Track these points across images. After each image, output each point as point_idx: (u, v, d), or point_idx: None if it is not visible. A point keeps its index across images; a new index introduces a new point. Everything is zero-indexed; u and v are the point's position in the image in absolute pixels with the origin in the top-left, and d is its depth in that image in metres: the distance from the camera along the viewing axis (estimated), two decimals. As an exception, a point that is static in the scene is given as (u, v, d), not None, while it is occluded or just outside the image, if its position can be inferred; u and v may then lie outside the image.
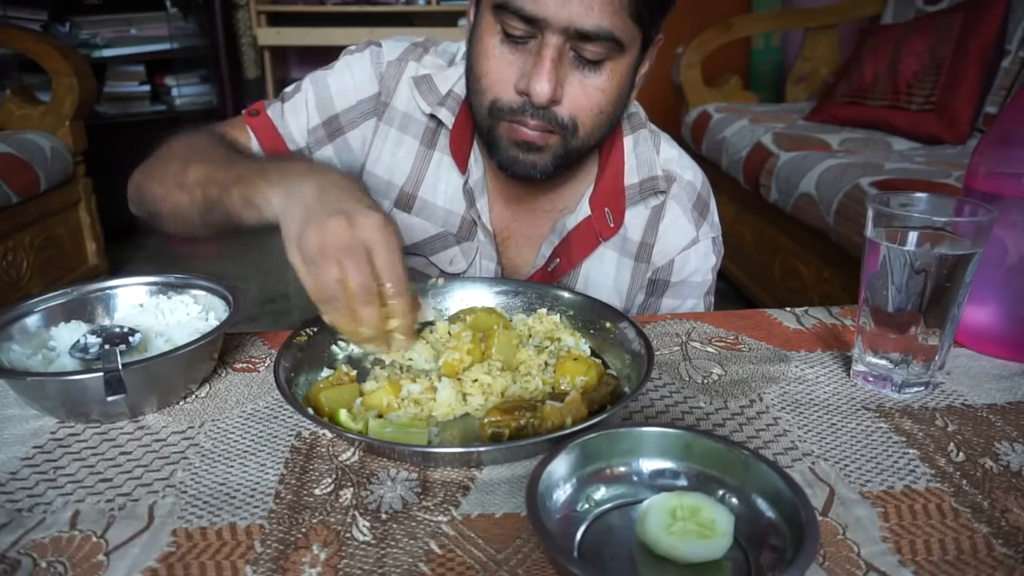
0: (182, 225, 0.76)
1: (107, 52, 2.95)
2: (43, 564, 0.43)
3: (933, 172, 1.77)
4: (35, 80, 2.60)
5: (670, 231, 0.89)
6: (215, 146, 0.77)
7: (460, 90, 0.85)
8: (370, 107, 0.87)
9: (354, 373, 0.63)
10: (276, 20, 3.44)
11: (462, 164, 0.86)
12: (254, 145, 0.86)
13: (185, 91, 3.22)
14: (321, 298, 0.59)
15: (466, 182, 0.86)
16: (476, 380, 0.61)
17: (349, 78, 0.87)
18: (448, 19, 3.50)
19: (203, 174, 0.71)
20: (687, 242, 0.90)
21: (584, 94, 0.72)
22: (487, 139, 0.77)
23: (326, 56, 0.96)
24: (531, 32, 0.69)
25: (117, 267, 2.65)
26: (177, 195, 0.73)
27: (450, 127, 0.86)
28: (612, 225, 0.87)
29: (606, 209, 0.87)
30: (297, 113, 0.86)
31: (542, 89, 0.69)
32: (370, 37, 0.90)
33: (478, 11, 0.75)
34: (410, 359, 0.66)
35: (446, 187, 0.88)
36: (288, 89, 0.89)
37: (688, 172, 0.90)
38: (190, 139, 0.80)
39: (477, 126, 0.79)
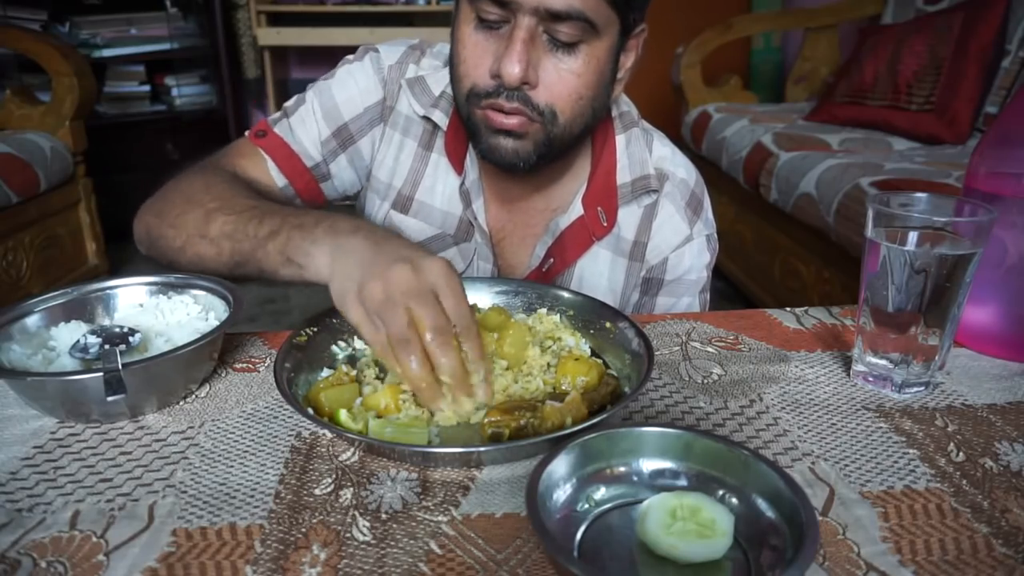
0: (204, 271, 0.73)
1: (107, 52, 2.95)
2: (43, 564, 0.43)
3: (933, 172, 1.77)
4: (35, 80, 2.60)
5: (663, 229, 0.89)
6: (235, 190, 0.75)
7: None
8: (377, 113, 0.87)
9: (354, 373, 0.63)
10: (276, 20, 3.44)
11: (458, 166, 0.86)
12: (271, 167, 0.85)
13: (185, 91, 3.22)
14: (395, 343, 0.55)
15: (462, 183, 0.86)
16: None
17: (353, 86, 0.86)
18: (448, 19, 3.49)
19: (230, 226, 0.69)
20: (681, 240, 0.90)
21: (559, 79, 0.72)
22: (468, 127, 0.77)
23: (326, 56, 0.96)
24: (504, 16, 0.69)
25: (117, 267, 2.65)
26: (199, 245, 0.71)
27: (444, 129, 0.86)
28: (605, 224, 0.87)
29: (599, 208, 0.87)
30: (306, 126, 0.86)
31: (512, 69, 0.69)
32: (370, 41, 0.90)
33: (459, 2, 0.75)
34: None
35: (443, 188, 0.88)
36: (290, 103, 0.88)
37: (681, 170, 0.90)
38: (205, 181, 0.77)
39: (459, 115, 0.79)
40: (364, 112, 0.87)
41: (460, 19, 0.74)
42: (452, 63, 0.76)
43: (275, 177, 0.85)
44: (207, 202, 0.73)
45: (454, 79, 0.76)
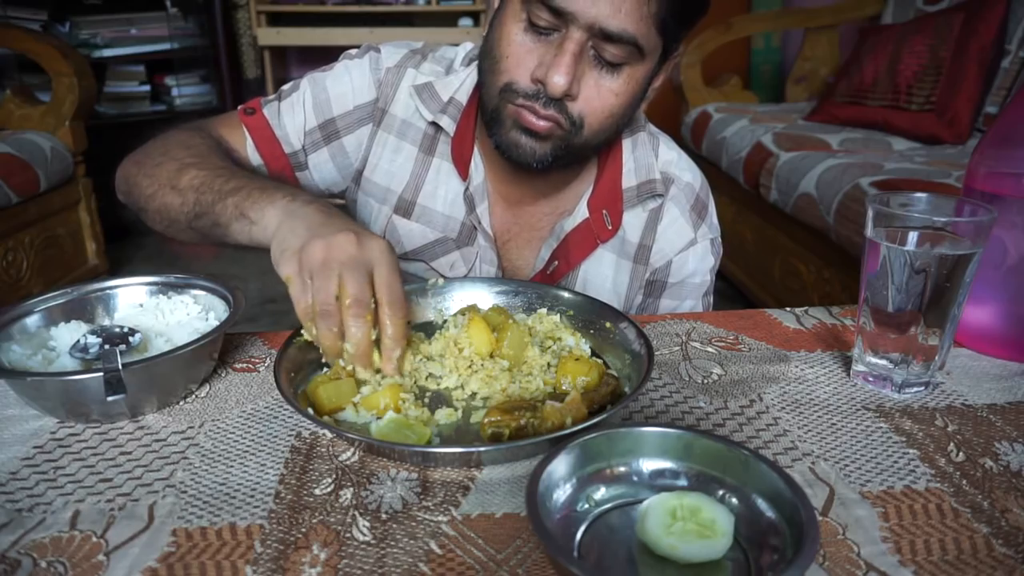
0: (167, 225, 0.77)
1: (107, 52, 2.95)
2: (43, 564, 0.43)
3: (933, 172, 1.77)
4: (35, 80, 2.60)
5: (668, 232, 0.89)
6: (213, 151, 0.77)
7: (461, 97, 0.85)
8: (367, 113, 0.87)
9: (351, 367, 0.63)
10: (276, 20, 3.44)
11: (463, 171, 0.86)
12: (248, 145, 0.85)
13: (185, 91, 3.22)
14: (317, 311, 0.58)
15: (467, 188, 0.86)
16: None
17: (348, 83, 0.86)
18: (448, 19, 3.50)
19: (199, 180, 0.71)
20: (685, 243, 0.90)
21: (598, 95, 0.73)
22: (490, 118, 0.77)
23: (326, 56, 0.96)
24: (556, 25, 0.70)
25: (117, 267, 2.65)
26: (168, 195, 0.74)
27: (452, 134, 0.86)
28: (610, 227, 0.87)
29: (604, 211, 0.87)
30: (294, 114, 0.86)
31: (558, 81, 0.69)
32: (370, 41, 0.90)
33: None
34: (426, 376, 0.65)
35: (445, 193, 0.88)
36: (286, 87, 0.89)
37: (687, 174, 0.90)
38: (187, 138, 0.79)
39: (483, 106, 0.79)
40: (354, 110, 0.87)
41: (507, 15, 0.73)
42: (491, 56, 0.75)
43: (251, 156, 0.86)
44: (184, 157, 0.75)
45: (490, 71, 0.76)
